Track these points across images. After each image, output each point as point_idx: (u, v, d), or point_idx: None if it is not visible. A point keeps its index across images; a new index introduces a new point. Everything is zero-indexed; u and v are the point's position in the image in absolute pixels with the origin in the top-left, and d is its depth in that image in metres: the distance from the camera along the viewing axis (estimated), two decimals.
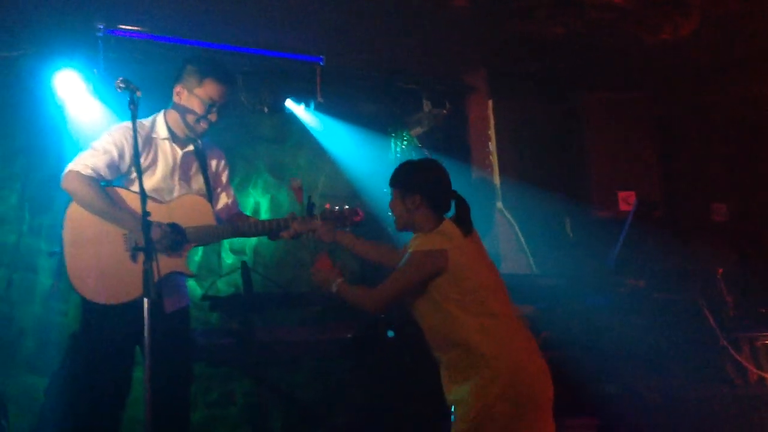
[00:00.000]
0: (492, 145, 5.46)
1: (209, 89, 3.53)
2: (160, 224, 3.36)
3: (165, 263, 3.35)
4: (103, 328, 3.42)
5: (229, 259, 5.57)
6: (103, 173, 3.41)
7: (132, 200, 3.41)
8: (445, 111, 5.50)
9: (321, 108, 5.28)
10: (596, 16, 4.68)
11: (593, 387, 4.44)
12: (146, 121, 3.61)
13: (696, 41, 5.03)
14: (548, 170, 5.43)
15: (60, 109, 4.71)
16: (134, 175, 3.43)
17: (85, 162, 3.39)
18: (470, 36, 5.02)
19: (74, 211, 3.39)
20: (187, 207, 3.49)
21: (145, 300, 2.98)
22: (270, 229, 3.63)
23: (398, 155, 5.70)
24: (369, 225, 5.85)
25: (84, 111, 4.64)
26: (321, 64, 4.96)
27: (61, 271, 3.42)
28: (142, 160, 3.45)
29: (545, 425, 3.05)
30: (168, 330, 3.35)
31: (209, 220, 3.50)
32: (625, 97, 5.53)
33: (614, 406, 4.49)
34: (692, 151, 5.82)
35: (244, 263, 4.40)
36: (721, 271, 4.67)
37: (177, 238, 3.40)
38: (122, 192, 3.45)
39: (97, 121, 4.56)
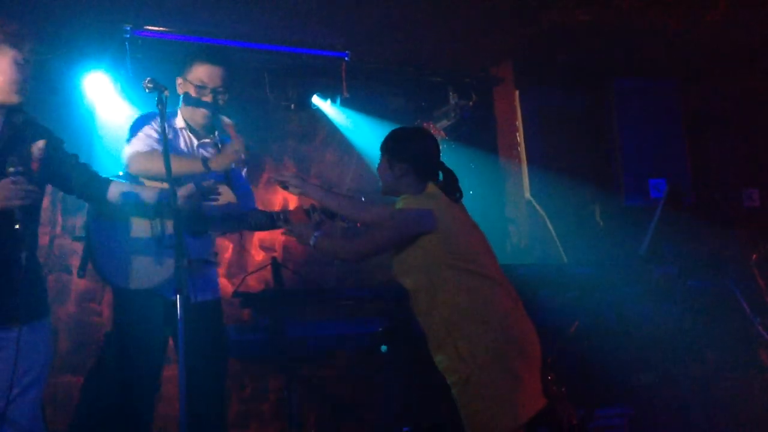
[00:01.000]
0: (519, 136, 5.43)
1: (198, 72, 3.55)
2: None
3: (189, 249, 3.37)
4: (134, 315, 3.46)
5: (258, 255, 5.60)
6: (153, 156, 3.44)
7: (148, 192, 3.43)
8: (471, 103, 5.49)
9: (347, 103, 5.29)
10: (624, 3, 4.64)
11: (626, 377, 4.41)
12: (162, 114, 3.65)
13: (724, 26, 4.96)
14: (577, 159, 5.40)
15: (89, 110, 4.77)
16: None
17: (141, 143, 3.49)
18: (496, 27, 5.00)
19: (93, 224, 3.44)
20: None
21: (178, 295, 2.99)
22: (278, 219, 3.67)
23: None
24: None
25: (113, 112, 4.69)
26: (346, 59, 4.96)
27: (87, 256, 3.43)
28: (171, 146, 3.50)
29: (534, 383, 3.02)
30: (198, 323, 3.32)
31: (235, 209, 3.56)
32: (654, 84, 5.48)
33: (648, 395, 4.45)
34: (723, 136, 5.76)
35: (274, 259, 4.42)
36: (755, 256, 4.61)
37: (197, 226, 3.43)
38: (142, 185, 3.48)
39: (126, 122, 4.60)
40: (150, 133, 3.53)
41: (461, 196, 3.26)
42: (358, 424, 5.30)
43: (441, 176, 3.28)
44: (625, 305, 4.59)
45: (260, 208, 3.95)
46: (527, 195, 5.37)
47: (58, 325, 5.04)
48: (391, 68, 5.37)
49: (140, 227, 3.41)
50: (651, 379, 4.50)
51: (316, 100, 5.29)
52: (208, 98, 3.55)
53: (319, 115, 5.48)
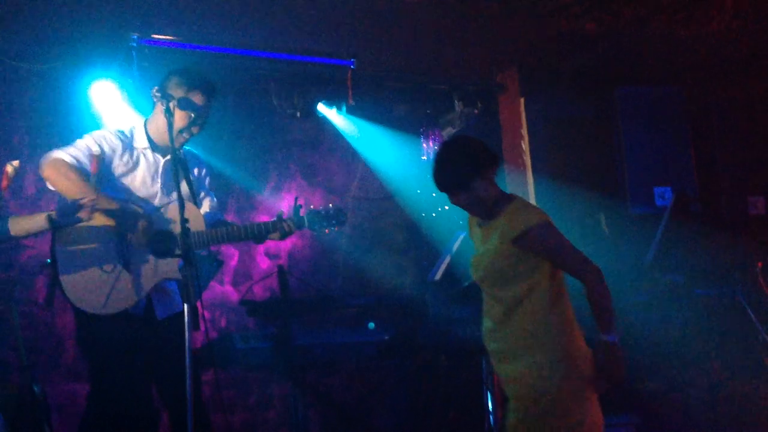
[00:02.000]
0: (524, 144, 5.44)
1: (192, 97, 3.49)
2: (141, 232, 3.37)
3: (156, 269, 3.39)
4: (102, 339, 3.44)
5: (264, 263, 5.61)
6: (84, 163, 3.40)
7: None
8: (476, 110, 5.50)
9: (353, 111, 5.30)
10: (629, 11, 4.65)
11: (633, 385, 4.40)
12: (126, 130, 3.63)
13: (730, 34, 4.97)
14: (582, 167, 5.40)
15: (96, 118, 4.78)
16: (119, 180, 3.49)
17: (67, 151, 3.42)
18: (501, 35, 5.02)
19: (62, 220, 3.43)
20: (176, 214, 3.48)
21: (186, 306, 2.98)
22: (259, 233, 3.64)
23: (431, 156, 5.70)
24: (405, 226, 5.89)
25: (120, 120, 4.70)
26: (352, 67, 4.97)
27: (53, 284, 3.42)
28: (122, 162, 3.50)
29: (598, 408, 3.02)
30: (165, 338, 3.40)
31: (200, 226, 3.48)
32: (659, 92, 5.48)
33: (654, 403, 4.44)
34: (728, 144, 5.75)
35: (280, 267, 4.43)
36: (761, 264, 4.60)
37: (164, 240, 3.41)
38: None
39: None
40: (88, 143, 3.47)
41: None
42: (363, 431, 5.31)
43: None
44: (631, 313, 4.58)
45: (266, 216, 3.96)
46: (532, 202, 5.36)
47: (63, 334, 5.06)
48: (396, 76, 5.39)
49: (106, 249, 3.39)
50: (657, 387, 4.50)
51: (321, 107, 5.30)
52: (195, 128, 3.54)
53: (324, 123, 5.49)
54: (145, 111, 4.62)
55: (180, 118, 3.46)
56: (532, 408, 2.95)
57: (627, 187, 5.34)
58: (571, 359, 2.93)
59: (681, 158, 5.40)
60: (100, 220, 3.33)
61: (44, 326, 5.05)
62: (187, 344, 2.97)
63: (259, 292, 5.41)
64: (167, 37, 4.66)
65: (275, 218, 3.67)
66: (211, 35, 4.75)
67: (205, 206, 3.76)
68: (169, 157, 3.55)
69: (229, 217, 5.08)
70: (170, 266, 3.39)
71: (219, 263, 4.07)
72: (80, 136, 3.59)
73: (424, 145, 5.78)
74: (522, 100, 5.48)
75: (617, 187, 5.38)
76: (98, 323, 3.39)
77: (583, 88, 5.57)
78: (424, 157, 5.76)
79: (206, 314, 4.23)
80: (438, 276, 4.55)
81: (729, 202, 5.60)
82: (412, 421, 5.38)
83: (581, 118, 5.60)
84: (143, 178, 3.55)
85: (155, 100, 3.46)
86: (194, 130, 3.54)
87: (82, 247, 3.38)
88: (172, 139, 3.29)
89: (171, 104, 3.37)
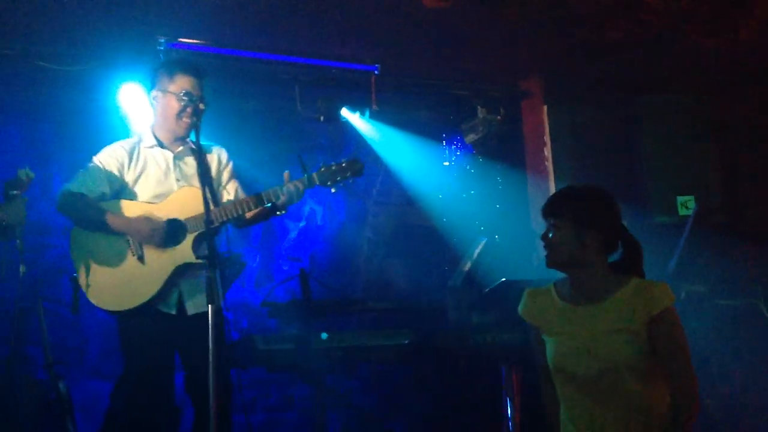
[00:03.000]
0: (547, 151, 5.43)
1: (181, 82, 3.55)
2: (150, 219, 3.41)
3: (171, 256, 3.42)
4: (136, 337, 3.51)
5: (285, 265, 5.65)
6: (92, 189, 3.50)
7: (128, 208, 3.50)
8: (499, 117, 5.50)
9: (376, 116, 5.32)
10: (653, 19, 4.64)
11: None
12: (133, 137, 3.73)
13: (757, 43, 4.94)
14: (605, 175, 5.38)
15: (124, 121, 4.84)
16: (135, 186, 3.56)
17: (75, 181, 3.53)
18: (525, 42, 5.02)
19: (76, 232, 3.51)
20: (182, 200, 3.51)
21: (210, 306, 3.00)
22: (267, 199, 3.56)
23: (453, 162, 5.72)
24: (427, 231, 5.90)
25: (147, 122, 4.76)
26: (376, 72, 5.00)
27: (77, 288, 3.51)
28: (132, 168, 3.56)
29: None
30: (196, 335, 3.37)
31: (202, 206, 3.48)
32: (683, 100, 5.45)
33: None
34: (753, 153, 5.71)
35: (302, 270, 4.45)
36: None
37: (175, 231, 3.44)
38: (122, 202, 3.53)
39: None
40: (94, 166, 3.57)
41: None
42: None
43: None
44: None
45: (288, 219, 3.95)
46: None
47: (88, 333, 5.13)
48: (419, 82, 5.41)
49: (121, 248, 3.45)
50: None
51: (345, 112, 5.33)
52: (190, 108, 3.53)
53: (347, 127, 5.52)
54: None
55: (171, 104, 3.54)
56: None
57: (649, 195, 5.32)
58: None
59: (704, 167, 5.38)
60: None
61: (69, 325, 5.11)
62: (210, 345, 3.00)
63: (280, 294, 5.45)
64: (193, 41, 4.73)
65: (284, 181, 3.58)
66: (236, 39, 4.81)
67: (226, 196, 3.75)
68: (178, 150, 3.60)
69: None
70: (185, 251, 3.43)
71: (242, 265, 4.12)
72: (108, 137, 3.68)
73: (447, 150, 5.80)
74: (545, 108, 5.48)
75: (640, 195, 5.36)
76: (131, 321, 3.45)
77: (607, 95, 5.56)
78: (446, 163, 5.77)
79: (229, 315, 4.28)
80: (459, 281, 4.56)
81: (752, 212, 5.56)
82: (431, 426, 5.39)
83: (604, 126, 5.58)
84: (156, 175, 3.61)
85: (152, 101, 3.61)
86: (189, 111, 3.53)
87: (96, 248, 3.46)
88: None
89: (158, 92, 3.54)
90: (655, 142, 5.39)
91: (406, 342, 4.54)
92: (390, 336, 4.59)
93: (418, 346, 4.52)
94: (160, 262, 3.43)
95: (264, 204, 3.58)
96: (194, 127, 3.48)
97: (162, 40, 4.62)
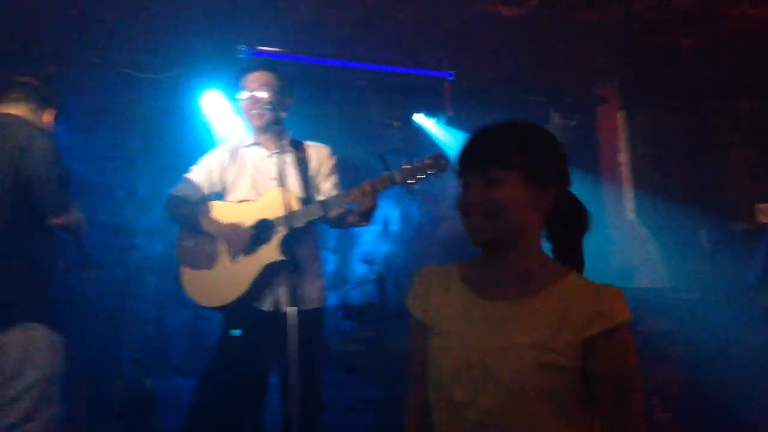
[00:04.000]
0: (623, 156, 5.39)
1: (249, 80, 3.64)
2: (236, 224, 3.51)
3: (259, 255, 3.49)
4: (236, 336, 3.55)
5: (360, 268, 5.74)
6: (193, 191, 3.64)
7: (222, 209, 3.60)
8: (574, 123, 5.48)
9: (451, 122, 5.36)
10: (732, 25, 4.56)
11: (729, 405, 4.31)
12: (234, 138, 3.85)
13: None
14: (682, 181, 5.32)
15: (206, 127, 5.00)
16: (234, 186, 3.66)
17: (178, 186, 3.68)
18: (601, 48, 4.99)
19: (179, 233, 3.66)
20: (273, 199, 3.55)
21: (289, 315, 3.05)
22: (354, 198, 3.47)
23: None
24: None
25: (229, 129, 4.91)
26: (450, 79, 5.04)
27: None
28: (231, 171, 3.67)
29: None
30: (279, 334, 3.28)
31: (294, 205, 3.51)
32: (762, 106, 5.34)
33: (750, 425, 4.33)
34: None
35: (380, 274, 4.52)
36: None
37: (264, 231, 3.50)
38: (217, 204, 3.64)
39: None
40: (196, 170, 3.70)
41: None
42: None
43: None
44: (730, 334, 4.48)
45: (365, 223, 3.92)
46: (630, 215, 5.32)
47: (171, 331, 5.32)
48: (494, 88, 5.43)
49: (216, 246, 3.56)
50: (754, 409, 4.38)
51: (419, 117, 5.38)
52: (256, 101, 3.60)
53: (421, 132, 5.57)
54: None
55: (248, 102, 3.63)
56: None
57: (729, 202, 5.23)
58: None
59: None
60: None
61: (153, 323, 5.31)
62: (290, 347, 3.06)
63: (355, 296, 5.54)
64: (272, 49, 4.84)
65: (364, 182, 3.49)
66: (314, 48, 4.91)
67: (327, 190, 3.74)
68: (275, 150, 3.66)
69: None
70: (272, 251, 3.49)
71: None
72: (190, 143, 3.79)
73: None
74: (621, 113, 5.43)
75: (719, 201, 5.28)
76: (230, 317, 3.56)
77: (685, 101, 5.48)
78: None
79: None
80: None
81: None
82: None
83: (682, 132, 5.51)
84: (252, 174, 3.69)
85: (240, 104, 3.70)
86: (265, 104, 3.57)
87: (195, 248, 3.58)
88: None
89: (240, 95, 3.65)
90: (735, 148, 5.30)
91: None
92: None
93: None
94: (250, 261, 3.51)
95: (346, 204, 3.53)
96: (270, 118, 3.60)
97: (243, 48, 4.75)
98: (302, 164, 3.67)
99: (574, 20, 4.54)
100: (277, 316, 3.45)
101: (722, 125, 5.32)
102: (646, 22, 4.56)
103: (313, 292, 3.60)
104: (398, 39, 4.79)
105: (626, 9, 4.41)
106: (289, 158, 3.64)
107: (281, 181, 3.45)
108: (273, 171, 3.61)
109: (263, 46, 4.83)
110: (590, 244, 1.97)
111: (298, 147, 3.71)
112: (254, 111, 3.63)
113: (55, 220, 3.25)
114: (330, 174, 3.78)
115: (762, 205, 5.15)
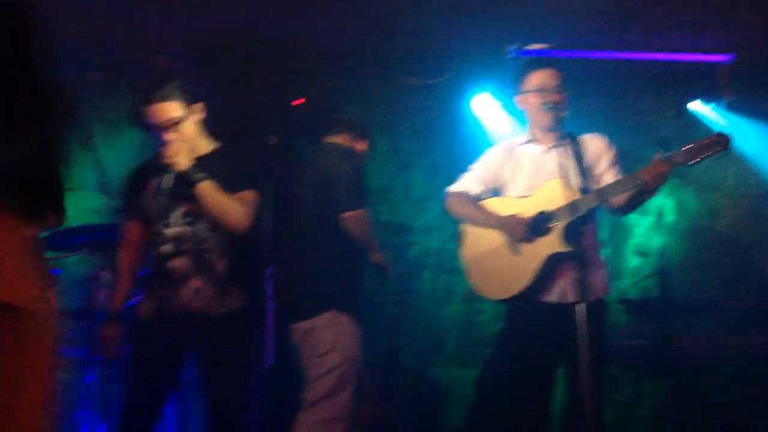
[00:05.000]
0: None
1: (533, 79, 3.61)
2: (515, 216, 3.54)
3: (541, 247, 3.49)
4: (523, 328, 3.63)
5: (633, 261, 5.62)
6: (471, 189, 3.73)
7: (500, 204, 3.66)
8: None
9: (730, 107, 5.10)
10: None
11: None
12: (511, 137, 3.89)
13: None
14: None
15: (477, 129, 5.15)
16: (511, 182, 3.69)
17: (457, 183, 3.78)
18: None
19: (462, 228, 3.75)
20: (550, 192, 3.54)
21: (577, 306, 3.09)
22: (637, 182, 3.35)
23: None
24: None
25: (501, 129, 5.02)
26: (730, 62, 4.78)
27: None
28: (508, 168, 3.71)
29: None
30: (566, 326, 3.26)
31: (573, 195, 3.45)
32: None
33: None
34: None
35: (662, 268, 4.42)
36: None
37: (543, 222, 3.49)
38: (495, 200, 3.70)
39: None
40: (475, 167, 3.77)
41: None
42: None
43: None
44: None
45: None
46: None
47: (448, 323, 5.56)
48: None
49: (497, 242, 3.62)
50: None
51: (695, 104, 5.17)
52: (550, 98, 3.54)
53: (695, 120, 5.35)
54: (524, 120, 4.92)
55: (531, 102, 3.63)
56: None
57: None
58: None
59: None
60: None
61: (431, 316, 5.58)
62: (581, 343, 3.09)
63: (629, 289, 5.43)
64: (541, 46, 4.87)
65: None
66: (583, 40, 4.87)
67: (607, 180, 3.64)
68: (550, 144, 3.65)
69: None
70: (553, 241, 3.48)
71: None
72: (461, 145, 3.93)
73: None
74: None
75: None
76: (517, 310, 3.66)
77: None
78: None
79: None
80: None
81: None
82: None
83: None
84: (528, 170, 3.71)
85: (518, 105, 3.74)
86: (550, 99, 3.54)
87: (478, 242, 3.69)
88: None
89: (519, 96, 3.66)
90: None
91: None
92: (757, 335, 4.41)
93: None
94: (533, 253, 3.55)
95: (630, 187, 3.44)
96: (560, 116, 3.57)
97: (512, 48, 4.83)
98: (579, 156, 3.59)
99: None
100: (564, 308, 3.44)
101: None
102: None
103: (597, 281, 3.55)
104: (676, 24, 4.63)
105: None
106: (566, 151, 3.56)
107: (559, 174, 3.50)
108: (550, 166, 3.63)
109: (531, 44, 4.86)
110: None
111: (573, 140, 3.67)
112: (547, 112, 3.59)
113: (349, 215, 3.65)
114: (611, 165, 3.71)
115: None
